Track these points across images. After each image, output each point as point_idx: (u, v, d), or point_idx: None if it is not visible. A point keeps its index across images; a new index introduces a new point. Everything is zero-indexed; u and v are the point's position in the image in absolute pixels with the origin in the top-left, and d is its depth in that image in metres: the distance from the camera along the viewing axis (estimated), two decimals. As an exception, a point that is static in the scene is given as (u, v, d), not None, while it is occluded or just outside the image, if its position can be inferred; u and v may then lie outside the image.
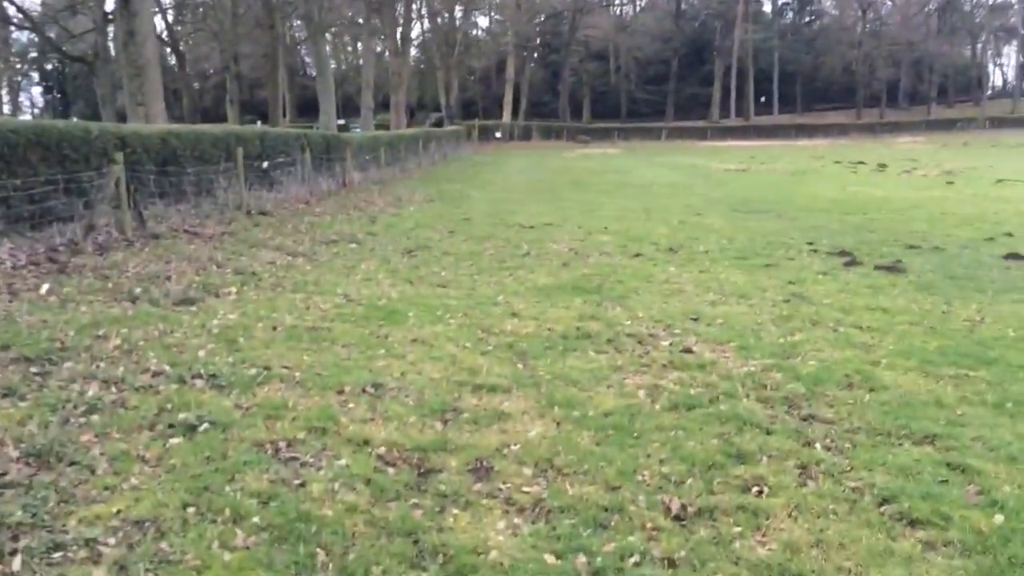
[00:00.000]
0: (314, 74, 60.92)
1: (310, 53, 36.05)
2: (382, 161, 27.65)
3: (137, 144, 12.60)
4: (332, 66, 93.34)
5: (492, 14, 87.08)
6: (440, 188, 24.49)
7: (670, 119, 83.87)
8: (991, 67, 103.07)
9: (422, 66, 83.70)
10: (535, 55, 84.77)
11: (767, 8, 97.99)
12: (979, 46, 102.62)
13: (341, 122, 71.87)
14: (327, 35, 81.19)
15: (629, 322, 7.17)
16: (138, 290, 7.67)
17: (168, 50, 63.45)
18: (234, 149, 15.74)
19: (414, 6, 65.36)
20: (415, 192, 22.60)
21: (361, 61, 52.10)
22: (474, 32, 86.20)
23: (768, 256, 11.11)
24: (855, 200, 21.84)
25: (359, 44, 55.76)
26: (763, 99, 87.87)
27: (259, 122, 73.74)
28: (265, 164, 17.06)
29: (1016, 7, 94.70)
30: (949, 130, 78.27)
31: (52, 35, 53.28)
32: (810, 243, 12.59)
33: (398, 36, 55.20)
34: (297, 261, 10.06)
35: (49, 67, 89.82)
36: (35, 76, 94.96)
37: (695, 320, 7.27)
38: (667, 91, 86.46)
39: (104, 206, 10.45)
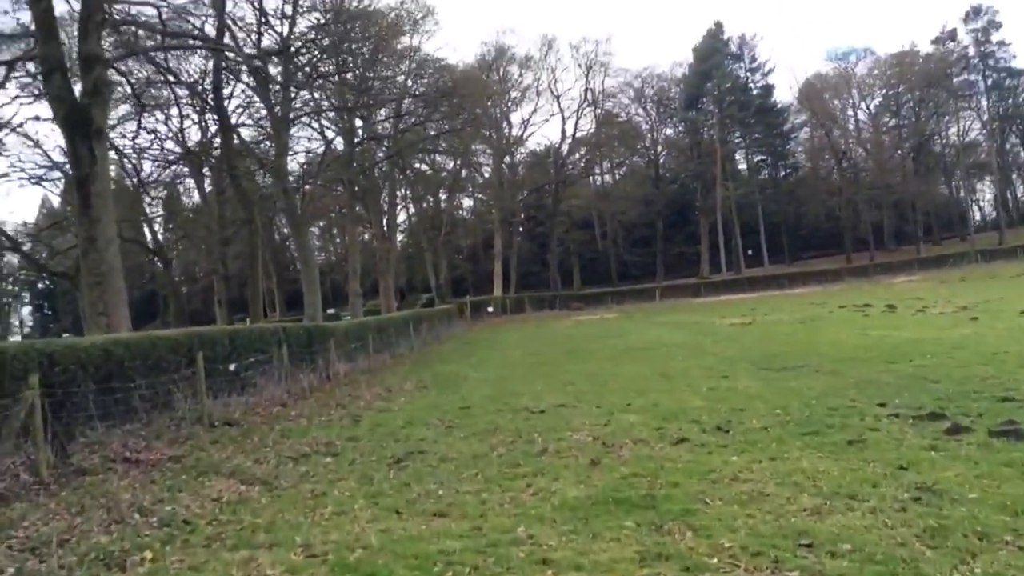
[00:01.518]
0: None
1: (296, 244, 35.16)
2: (370, 348, 25.78)
3: (70, 360, 10.64)
4: (320, 257, 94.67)
5: (476, 194, 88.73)
6: (434, 371, 22.48)
7: (661, 279, 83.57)
8: (968, 203, 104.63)
9: (410, 249, 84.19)
10: (521, 229, 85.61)
11: (742, 166, 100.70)
12: (955, 184, 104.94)
13: (331, 311, 71.34)
14: (312, 227, 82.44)
15: (714, 558, 4.92)
16: (11, 571, 5.40)
17: (155, 257, 63.42)
18: (197, 353, 13.81)
19: (399, 193, 66.27)
20: (407, 379, 20.55)
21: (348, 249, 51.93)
22: (459, 212, 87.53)
23: (843, 427, 8.94)
24: (886, 345, 19.90)
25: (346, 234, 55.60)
26: (750, 252, 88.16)
27: (247, 320, 72.85)
28: (232, 366, 15.09)
29: (984, 144, 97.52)
30: (942, 267, 77.86)
31: (42, 254, 53.14)
32: (881, 404, 10.45)
33: (384, 223, 55.27)
34: (252, 492, 7.80)
35: (40, 286, 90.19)
36: (26, 296, 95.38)
37: (808, 547, 5.02)
38: (655, 252, 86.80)
39: (7, 444, 8.31)
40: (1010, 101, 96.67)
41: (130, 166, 48.27)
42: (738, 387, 13.79)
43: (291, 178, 36.98)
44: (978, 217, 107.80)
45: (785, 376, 15.06)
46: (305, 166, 41.61)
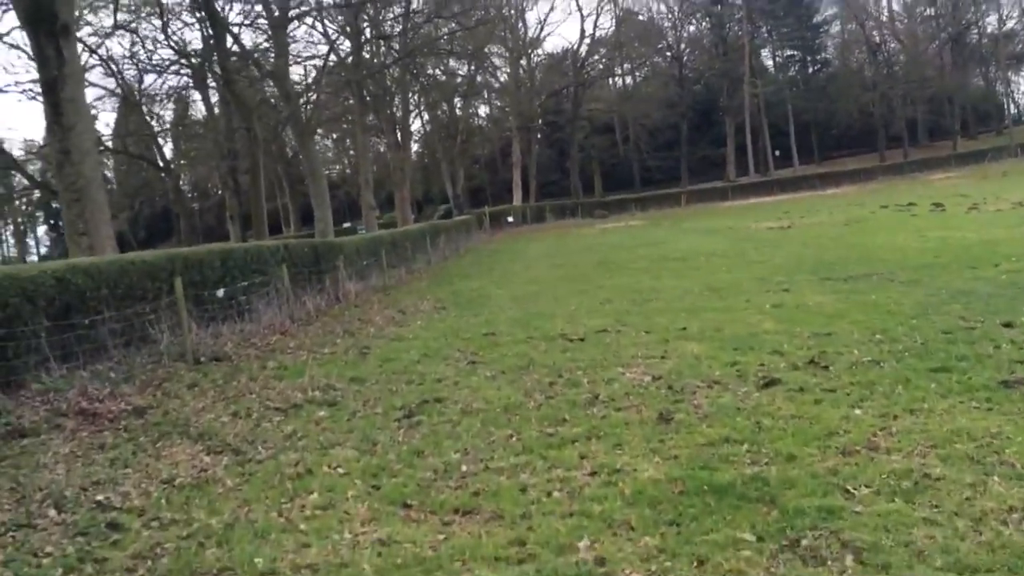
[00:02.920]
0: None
1: (302, 155, 32.92)
2: (384, 264, 23.86)
3: (12, 293, 8.76)
4: (334, 169, 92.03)
5: (492, 100, 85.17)
6: (454, 288, 20.58)
7: (686, 183, 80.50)
8: (1007, 95, 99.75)
9: (425, 159, 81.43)
10: (539, 135, 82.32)
11: (769, 63, 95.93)
12: (993, 75, 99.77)
13: (347, 225, 69.39)
14: (323, 136, 79.73)
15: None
16: None
17: (164, 174, 61.41)
18: (176, 278, 11.93)
19: (412, 100, 63.24)
20: (424, 298, 18.67)
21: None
22: (475, 120, 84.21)
23: (978, 360, 6.90)
24: (954, 247, 17.76)
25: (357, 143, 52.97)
26: (778, 153, 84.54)
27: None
28: (220, 291, 13.20)
29: (1022, 33, 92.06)
30: (980, 161, 74.42)
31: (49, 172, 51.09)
32: (1007, 324, 8.38)
33: (397, 132, 52.60)
34: (218, 468, 5.94)
35: (55, 205, 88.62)
36: (41, 216, 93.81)
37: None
38: (679, 156, 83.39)
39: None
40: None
41: (132, 76, 45.86)
42: (808, 303, 11.75)
43: (295, 85, 34.46)
44: (1014, 110, 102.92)
45: (858, 288, 13.00)
46: (311, 73, 38.98)
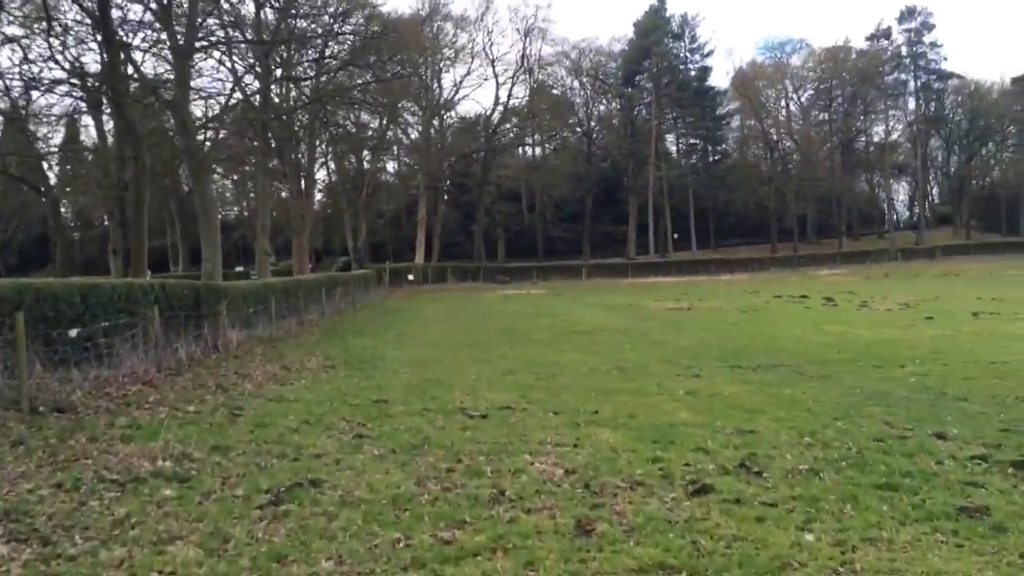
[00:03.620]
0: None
1: (195, 191, 31.05)
2: (273, 314, 22.29)
3: None
4: (232, 211, 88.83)
5: (401, 157, 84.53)
6: (346, 345, 19.27)
7: (587, 257, 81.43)
8: (888, 201, 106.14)
9: (328, 210, 79.56)
10: (446, 196, 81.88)
11: (673, 148, 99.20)
12: (876, 181, 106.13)
13: (239, 269, 66.56)
14: (223, 176, 76.96)
15: None
16: None
17: (42, 197, 57.50)
18: (26, 313, 10.32)
19: (319, 149, 61.85)
20: (312, 354, 17.28)
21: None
22: (383, 175, 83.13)
23: (925, 478, 6.22)
24: (855, 344, 17.86)
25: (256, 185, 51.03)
26: (676, 235, 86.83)
27: (148, 273, 67.75)
28: (74, 332, 11.57)
29: (905, 145, 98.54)
30: (863, 262, 78.53)
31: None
32: (940, 436, 7.84)
33: (301, 178, 51.03)
34: (11, 567, 4.58)
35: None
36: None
37: None
38: (582, 229, 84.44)
39: None
40: (936, 103, 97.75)
41: (16, 93, 42.94)
42: (723, 392, 11.13)
43: (196, 119, 32.72)
44: (894, 216, 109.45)
45: (769, 380, 12.53)
46: (214, 108, 37.27)
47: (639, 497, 5.90)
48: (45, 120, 50.29)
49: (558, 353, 17.11)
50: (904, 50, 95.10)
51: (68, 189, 72.69)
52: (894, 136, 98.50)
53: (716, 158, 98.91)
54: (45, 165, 54.54)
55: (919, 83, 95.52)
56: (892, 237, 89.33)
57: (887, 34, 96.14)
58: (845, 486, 6.07)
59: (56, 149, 59.73)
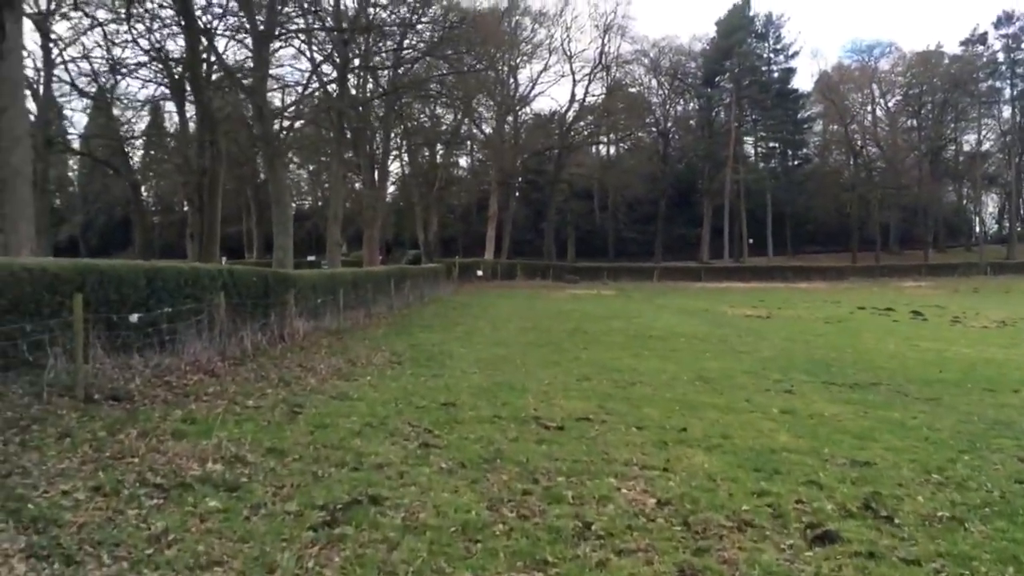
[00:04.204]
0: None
1: (269, 179, 31.04)
2: (341, 305, 21.89)
3: None
4: (307, 201, 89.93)
5: (474, 153, 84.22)
6: (413, 341, 18.68)
7: (659, 259, 79.80)
8: (977, 213, 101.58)
9: (400, 203, 79.76)
10: (518, 192, 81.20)
11: (750, 151, 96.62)
12: (965, 192, 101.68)
13: (311, 259, 67.12)
14: (299, 166, 77.84)
15: None
16: None
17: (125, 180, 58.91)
18: (87, 295, 9.95)
19: (393, 140, 61.83)
20: (378, 348, 16.74)
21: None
22: (456, 170, 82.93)
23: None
24: (957, 364, 16.49)
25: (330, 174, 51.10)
26: (751, 240, 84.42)
27: (224, 259, 69.01)
28: (135, 317, 11.18)
29: (997, 155, 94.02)
30: (950, 275, 74.99)
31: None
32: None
33: (374, 169, 50.99)
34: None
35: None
36: None
37: None
38: (655, 231, 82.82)
39: None
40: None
41: (105, 79, 44.00)
42: (822, 412, 10.09)
43: (273, 107, 32.74)
44: (981, 228, 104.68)
45: (870, 399, 11.42)
46: (290, 96, 37.31)
47: (750, 542, 5.02)
48: (130, 105, 51.61)
49: (634, 359, 16.19)
50: (1000, 56, 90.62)
51: (151, 174, 74.58)
52: (986, 146, 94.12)
53: (796, 163, 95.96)
54: (128, 150, 55.86)
55: (1015, 91, 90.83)
56: (981, 250, 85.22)
57: (983, 39, 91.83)
58: (998, 541, 5.08)
59: (139, 135, 61.21)
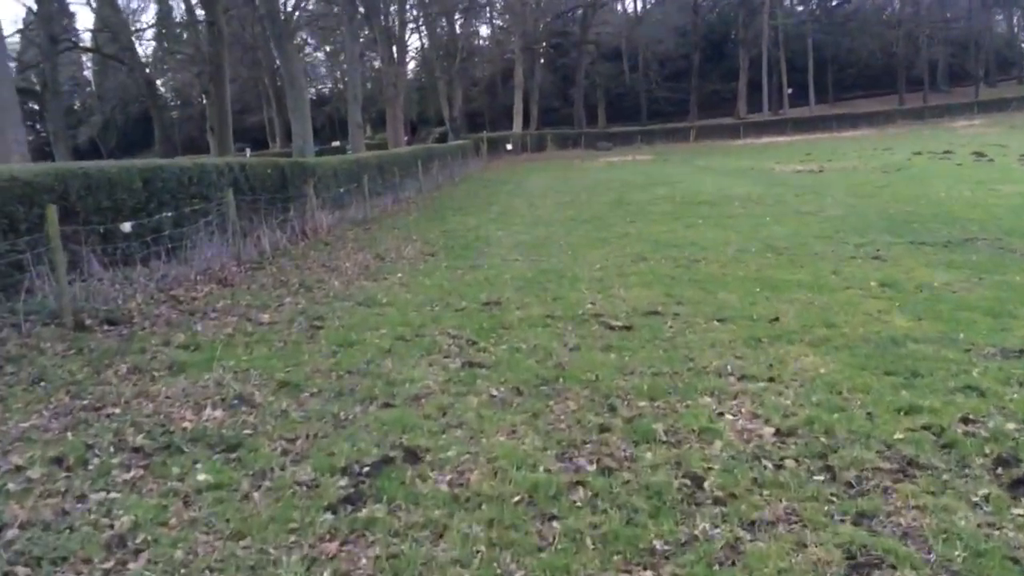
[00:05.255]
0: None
1: (279, 60, 28.93)
2: (366, 192, 20.42)
3: None
4: (327, 85, 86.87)
5: (495, 20, 79.94)
6: (447, 227, 17.26)
7: (694, 118, 76.19)
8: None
9: (422, 79, 76.58)
10: (543, 60, 77.26)
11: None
12: (1016, 20, 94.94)
13: (336, 144, 65.14)
14: (315, 48, 74.74)
15: None
16: None
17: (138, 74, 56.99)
18: (73, 204, 8.59)
19: (409, 13, 58.48)
20: (409, 238, 15.37)
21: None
22: (476, 40, 79.00)
23: None
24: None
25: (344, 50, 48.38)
26: (790, 91, 79.97)
27: (248, 151, 67.42)
28: (127, 226, 9.83)
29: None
30: (1003, 110, 70.72)
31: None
32: None
33: (392, 45, 48.22)
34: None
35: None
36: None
37: None
38: (688, 89, 78.70)
39: None
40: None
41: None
42: (930, 281, 8.57)
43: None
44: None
45: (974, 261, 9.85)
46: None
47: (926, 494, 3.63)
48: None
49: (689, 229, 14.62)
50: None
51: (165, 67, 72.19)
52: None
53: (837, 2, 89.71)
54: (138, 42, 53.76)
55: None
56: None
57: None
58: None
59: (147, 26, 58.74)
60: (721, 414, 4.83)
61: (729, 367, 5.78)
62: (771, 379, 5.46)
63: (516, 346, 6.69)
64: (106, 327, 7.89)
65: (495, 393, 5.47)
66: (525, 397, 5.36)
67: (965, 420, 4.45)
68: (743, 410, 4.88)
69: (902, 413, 4.63)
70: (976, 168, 25.76)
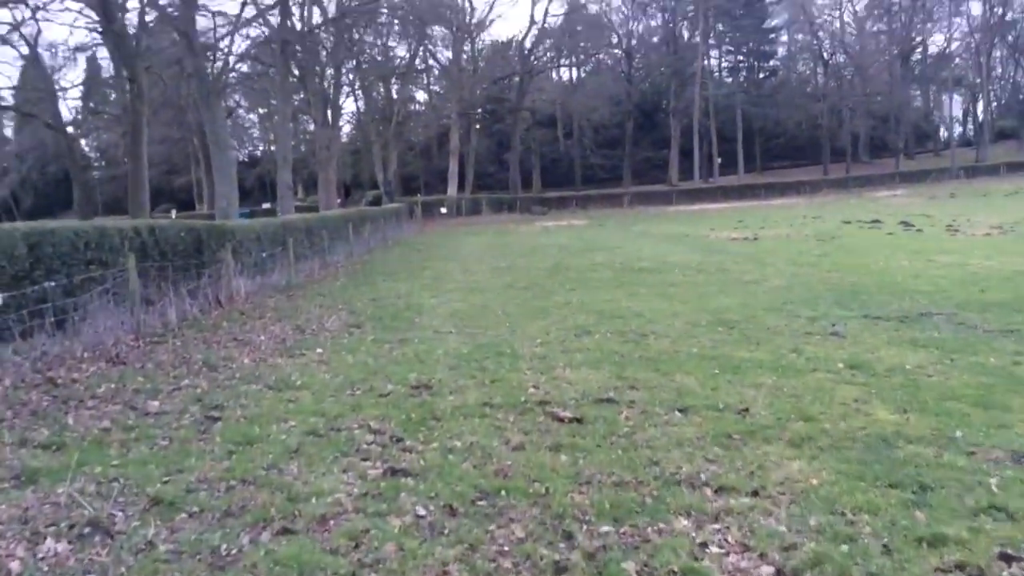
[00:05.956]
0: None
1: (205, 120, 27.75)
2: (291, 257, 19.24)
3: None
4: (259, 147, 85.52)
5: (431, 86, 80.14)
6: (375, 293, 16.19)
7: (628, 184, 77.14)
8: (946, 117, 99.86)
9: (356, 142, 75.89)
10: (479, 125, 77.56)
11: (716, 65, 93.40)
12: (932, 95, 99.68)
13: (266, 206, 63.61)
14: (248, 110, 73.63)
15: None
16: None
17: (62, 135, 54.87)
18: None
19: (345, 78, 57.95)
20: (334, 306, 14.24)
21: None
22: (412, 105, 78.87)
23: None
24: (996, 280, 14.38)
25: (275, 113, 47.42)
26: (720, 159, 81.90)
27: (173, 212, 65.22)
28: (-2, 298, 8.56)
29: (963, 55, 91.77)
30: (922, 181, 73.64)
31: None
32: None
33: (326, 108, 47.46)
34: None
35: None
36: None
37: None
38: (622, 155, 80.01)
39: None
40: (1003, 6, 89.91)
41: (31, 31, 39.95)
42: (901, 364, 7.86)
43: (202, 39, 29.29)
44: (945, 133, 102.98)
45: (938, 338, 9.24)
46: (225, 29, 33.61)
47: None
48: (59, 53, 47.77)
49: (633, 299, 13.87)
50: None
51: (91, 127, 69.92)
52: (954, 45, 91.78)
53: (764, 75, 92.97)
54: (63, 100, 51.97)
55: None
56: (952, 154, 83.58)
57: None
58: None
59: (73, 85, 56.91)
60: (704, 545, 3.87)
61: (702, 475, 4.85)
62: (755, 492, 4.53)
63: (449, 445, 5.64)
64: (-47, 419, 6.58)
65: (422, 512, 4.41)
66: (459, 519, 4.31)
67: (1006, 558, 3.58)
68: (730, 539, 3.93)
69: (925, 545, 3.74)
70: (908, 238, 25.95)
